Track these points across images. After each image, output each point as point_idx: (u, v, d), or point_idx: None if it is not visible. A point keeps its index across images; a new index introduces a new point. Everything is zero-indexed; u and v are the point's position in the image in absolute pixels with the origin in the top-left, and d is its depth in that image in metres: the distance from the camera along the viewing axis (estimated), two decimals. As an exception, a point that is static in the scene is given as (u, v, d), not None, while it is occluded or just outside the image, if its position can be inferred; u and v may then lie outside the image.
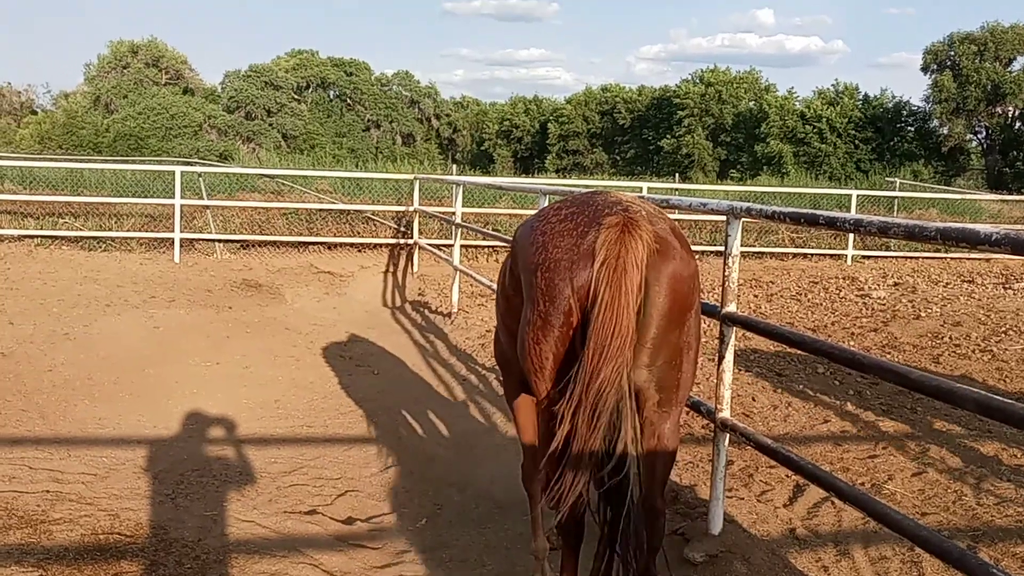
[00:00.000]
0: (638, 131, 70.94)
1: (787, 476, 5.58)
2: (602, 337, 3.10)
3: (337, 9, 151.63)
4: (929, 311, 11.36)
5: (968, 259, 17.46)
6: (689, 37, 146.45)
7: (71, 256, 14.19)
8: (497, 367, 5.04)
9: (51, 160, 23.49)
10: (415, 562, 4.74)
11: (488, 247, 15.99)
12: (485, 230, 14.00)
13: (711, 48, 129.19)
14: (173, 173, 15.12)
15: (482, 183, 15.97)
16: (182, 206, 14.90)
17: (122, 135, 56.56)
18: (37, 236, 15.03)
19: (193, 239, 15.31)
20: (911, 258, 17.76)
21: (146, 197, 16.10)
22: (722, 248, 4.97)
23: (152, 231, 15.58)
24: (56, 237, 15.06)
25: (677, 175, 32.75)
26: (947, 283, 14.08)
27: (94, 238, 15.10)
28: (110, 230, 15.49)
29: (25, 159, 24.60)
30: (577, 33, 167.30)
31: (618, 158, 71.92)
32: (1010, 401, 2.79)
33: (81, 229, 15.40)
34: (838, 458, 6.10)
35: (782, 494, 5.41)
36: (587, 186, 19.47)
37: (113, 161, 24.39)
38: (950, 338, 9.82)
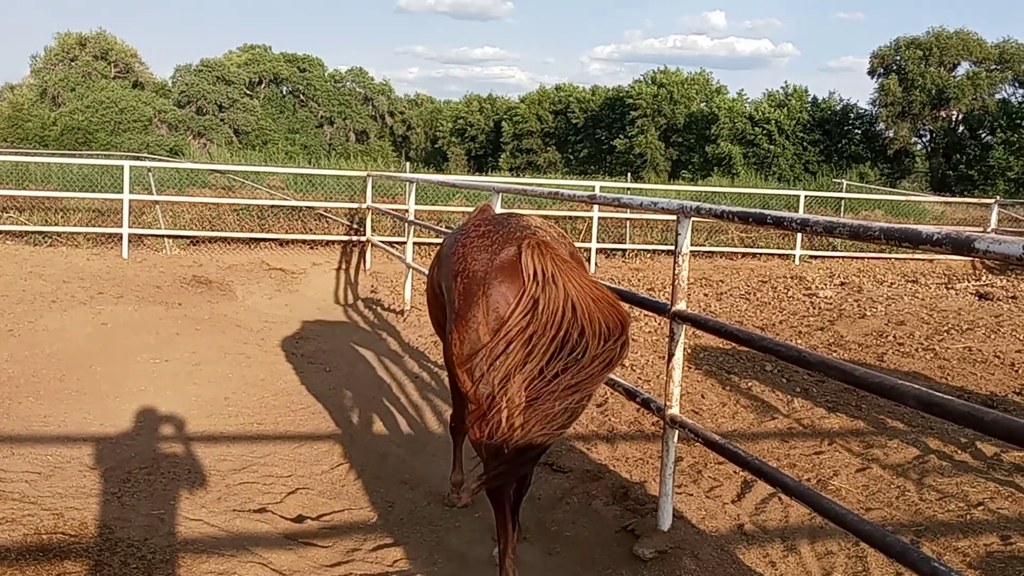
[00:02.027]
0: (591, 131, 71.29)
1: (735, 472, 5.66)
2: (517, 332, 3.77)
3: (290, 4, 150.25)
4: (874, 310, 11.59)
5: (912, 259, 17.82)
6: (642, 38, 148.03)
7: (16, 251, 13.90)
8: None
9: (-5, 153, 22.98)
10: (365, 560, 4.73)
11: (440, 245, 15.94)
12: (438, 227, 13.96)
13: (663, 49, 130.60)
14: (122, 168, 14.87)
15: (435, 180, 15.93)
16: (131, 201, 14.67)
17: (70, 129, 55.52)
18: (-20, 231, 14.72)
19: (142, 235, 15.08)
20: (857, 258, 18.08)
21: (94, 192, 15.83)
22: (672, 247, 5.03)
23: (100, 226, 15.32)
24: (0, 231, 14.75)
25: (629, 175, 32.97)
26: (892, 283, 14.37)
27: (40, 233, 14.81)
28: (56, 225, 15.22)
29: (-33, 152, 24.06)
30: (532, 33, 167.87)
31: (571, 157, 72.24)
32: (950, 397, 2.86)
33: (26, 224, 15.10)
34: (785, 454, 6.20)
35: (730, 490, 5.49)
36: (541, 184, 19.53)
37: (60, 155, 23.95)
38: (894, 337, 10.02)
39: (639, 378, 8.27)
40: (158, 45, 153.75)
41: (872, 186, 34.21)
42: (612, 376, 5.11)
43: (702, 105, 66.02)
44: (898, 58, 53.63)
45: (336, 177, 17.89)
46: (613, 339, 3.79)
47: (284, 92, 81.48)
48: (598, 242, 16.76)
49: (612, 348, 3.79)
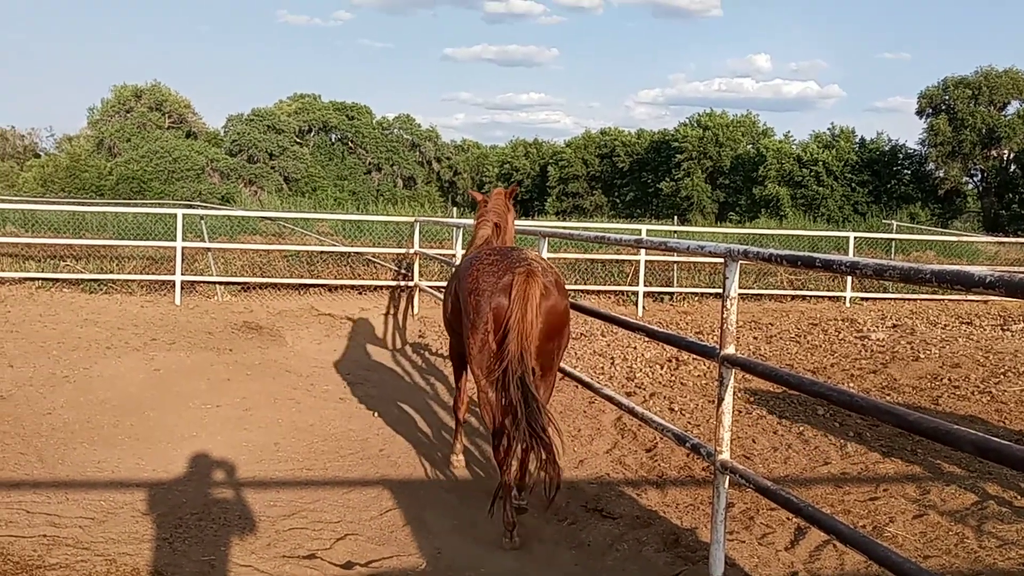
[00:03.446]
0: (637, 174, 71.43)
1: (788, 519, 5.56)
2: (513, 333, 5.31)
3: (339, 54, 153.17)
4: (928, 353, 11.38)
5: (967, 301, 17.50)
6: (687, 81, 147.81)
7: (72, 299, 14.22)
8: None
9: (53, 203, 23.60)
10: (415, 606, 4.70)
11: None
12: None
13: (708, 92, 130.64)
14: (175, 216, 15.19)
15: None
16: (184, 248, 14.96)
17: (125, 178, 56.84)
18: (38, 279, 15.07)
19: (194, 281, 15.35)
20: (909, 300, 17.80)
21: (148, 240, 16.17)
22: (720, 290, 5.00)
23: (153, 273, 15.63)
24: (57, 280, 15.11)
25: (676, 217, 32.90)
26: (945, 325, 14.10)
27: (95, 280, 15.14)
28: (111, 272, 15.54)
29: (27, 202, 24.70)
30: (576, 78, 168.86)
31: (617, 200, 72.32)
32: (1007, 442, 2.80)
33: (82, 272, 15.45)
34: (839, 500, 6.08)
35: (783, 537, 5.39)
36: (587, 228, 19.55)
37: (115, 204, 24.50)
38: (949, 380, 9.83)
39: (688, 423, 8.19)
40: (210, 95, 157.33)
41: (923, 227, 33.78)
42: (661, 421, 5.43)
43: (748, 147, 65.89)
44: (947, 98, 53.19)
45: (384, 223, 18.09)
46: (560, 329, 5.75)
47: (333, 139, 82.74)
48: (645, 285, 16.69)
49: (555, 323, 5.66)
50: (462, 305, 5.82)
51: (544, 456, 5.27)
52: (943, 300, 17.71)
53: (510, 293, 5.39)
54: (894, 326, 13.97)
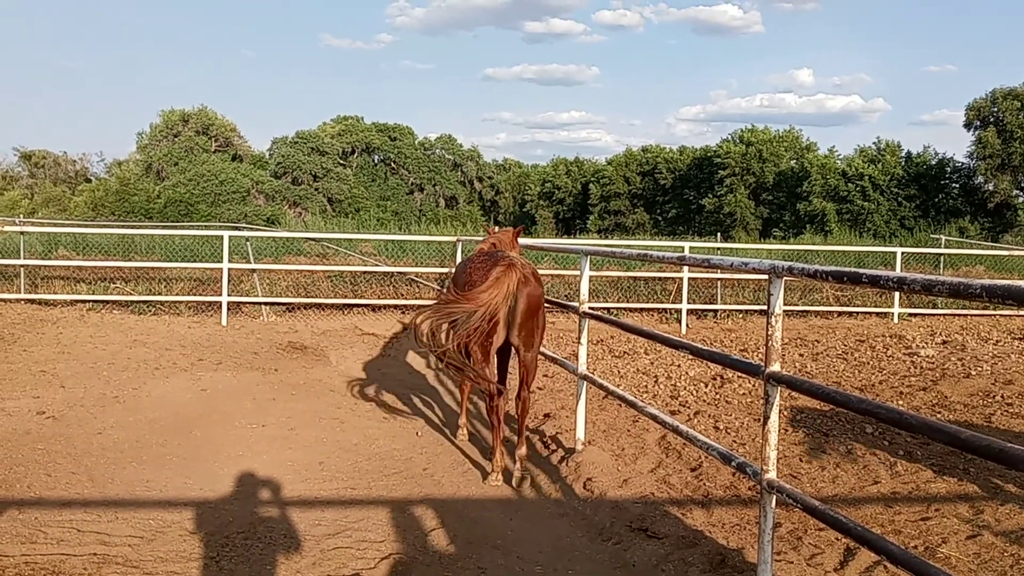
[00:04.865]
0: (679, 191, 71.17)
1: (837, 539, 5.47)
2: (488, 304, 6.69)
3: (381, 76, 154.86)
4: (979, 369, 11.17)
5: (1019, 316, 17.14)
6: (729, 98, 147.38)
7: (122, 320, 14.45)
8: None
9: (104, 226, 24.04)
10: (459, 626, 4.69)
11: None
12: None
13: (750, 108, 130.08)
14: (221, 238, 15.40)
15: (524, 244, 16.07)
16: (230, 270, 15.16)
17: (172, 201, 57.85)
18: (89, 301, 15.36)
19: (240, 302, 15.54)
20: (959, 315, 17.49)
21: (195, 261, 16.41)
22: (765, 307, 4.95)
23: (200, 295, 15.85)
24: (107, 301, 15.38)
25: (719, 234, 32.70)
26: (997, 341, 13.83)
27: (144, 302, 15.39)
28: (160, 294, 15.79)
29: (79, 225, 25.21)
30: (617, 96, 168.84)
31: (660, 218, 72.09)
32: (1063, 461, 2.73)
33: (132, 293, 15.71)
34: (889, 520, 5.97)
35: (832, 558, 5.30)
36: (629, 245, 19.49)
37: (163, 227, 24.90)
38: (1002, 397, 9.63)
39: (734, 441, 8.10)
40: (256, 118, 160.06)
41: (972, 241, 33.21)
42: (706, 440, 5.40)
43: (792, 163, 65.36)
44: (995, 109, 52.40)
45: (426, 242, 18.19)
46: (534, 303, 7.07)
47: (376, 160, 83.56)
48: (689, 303, 16.59)
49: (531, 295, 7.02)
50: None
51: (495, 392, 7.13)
52: (994, 315, 17.37)
53: (495, 279, 6.80)
54: (944, 342, 13.73)
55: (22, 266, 15.85)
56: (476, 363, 6.86)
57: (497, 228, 9.26)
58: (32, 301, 15.27)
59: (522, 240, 10.04)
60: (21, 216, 38.75)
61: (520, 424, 7.39)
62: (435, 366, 12.48)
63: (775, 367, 4.53)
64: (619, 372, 11.48)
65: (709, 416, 9.05)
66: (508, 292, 6.77)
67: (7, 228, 17.30)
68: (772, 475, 4.59)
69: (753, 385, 10.24)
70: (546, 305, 7.56)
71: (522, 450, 7.30)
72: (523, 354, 7.19)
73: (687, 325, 16.23)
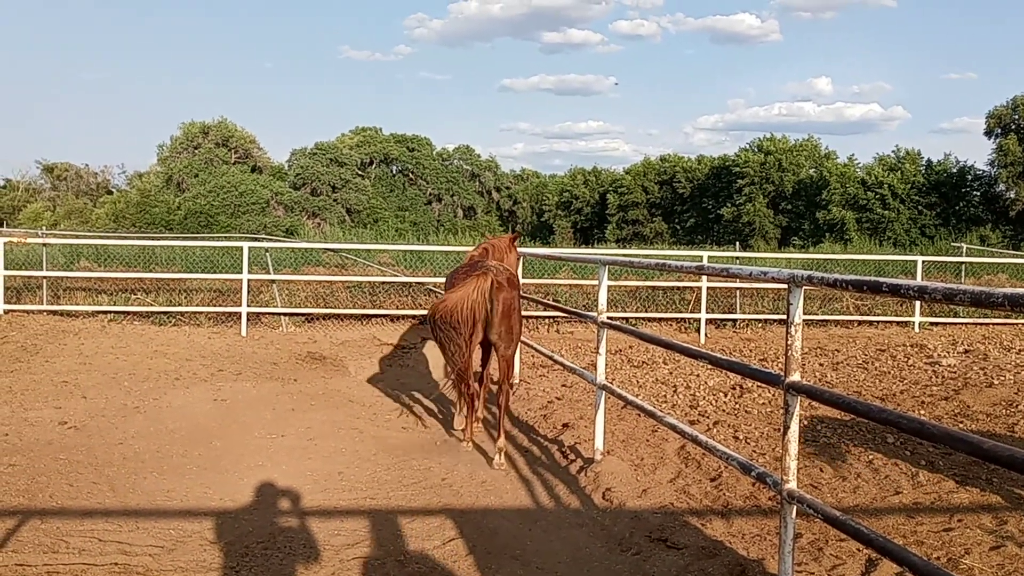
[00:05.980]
0: (698, 200, 71.03)
1: (858, 550, 5.43)
2: (468, 304, 7.76)
3: (399, 87, 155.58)
4: (1002, 378, 11.07)
5: (1042, 325, 16.99)
6: (747, 107, 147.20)
7: (142, 331, 14.55)
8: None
9: (125, 238, 24.24)
10: (478, 637, 4.68)
11: (549, 318, 16.02)
12: (546, 301, 14.01)
13: (768, 117, 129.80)
14: (241, 249, 15.48)
15: (542, 254, 16.07)
16: (249, 281, 15.23)
17: (193, 213, 58.26)
18: (110, 312, 15.46)
19: (260, 313, 15.61)
20: (981, 324, 17.35)
21: (215, 272, 16.50)
22: (784, 316, 4.93)
23: (220, 306, 15.93)
24: (128, 312, 15.47)
25: (738, 243, 32.57)
26: (1020, 350, 13.70)
27: (165, 313, 15.48)
28: (180, 305, 15.88)
29: (100, 237, 25.42)
30: (635, 105, 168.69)
31: (678, 227, 71.95)
32: (1088, 471, 2.71)
33: (152, 304, 15.81)
34: (911, 531, 5.92)
35: (854, 569, 5.26)
36: (648, 255, 19.46)
37: (183, 238, 25.09)
38: (1026, 406, 9.53)
39: (754, 451, 8.06)
40: (275, 130, 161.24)
41: (994, 249, 32.98)
42: (725, 450, 5.37)
43: (811, 171, 65.11)
44: (1016, 117, 52.04)
45: (445, 253, 18.22)
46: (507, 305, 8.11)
47: (394, 171, 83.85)
48: (708, 312, 16.53)
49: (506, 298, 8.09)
50: None
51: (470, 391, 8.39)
52: (1017, 324, 17.22)
53: (473, 283, 7.88)
54: (966, 351, 13.62)
55: (44, 278, 15.99)
56: (459, 352, 7.84)
57: (492, 236, 10.46)
58: (54, 312, 15.39)
59: (539, 251, 10.46)
60: (44, 228, 39.13)
61: (500, 415, 8.30)
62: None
63: (795, 377, 4.50)
64: (638, 382, 11.45)
65: (729, 426, 9.01)
66: (480, 295, 7.83)
67: (30, 240, 17.48)
68: (792, 485, 4.57)
69: (773, 395, 10.19)
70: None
71: (501, 441, 8.05)
72: (501, 351, 8.27)
73: (706, 335, 16.17)
